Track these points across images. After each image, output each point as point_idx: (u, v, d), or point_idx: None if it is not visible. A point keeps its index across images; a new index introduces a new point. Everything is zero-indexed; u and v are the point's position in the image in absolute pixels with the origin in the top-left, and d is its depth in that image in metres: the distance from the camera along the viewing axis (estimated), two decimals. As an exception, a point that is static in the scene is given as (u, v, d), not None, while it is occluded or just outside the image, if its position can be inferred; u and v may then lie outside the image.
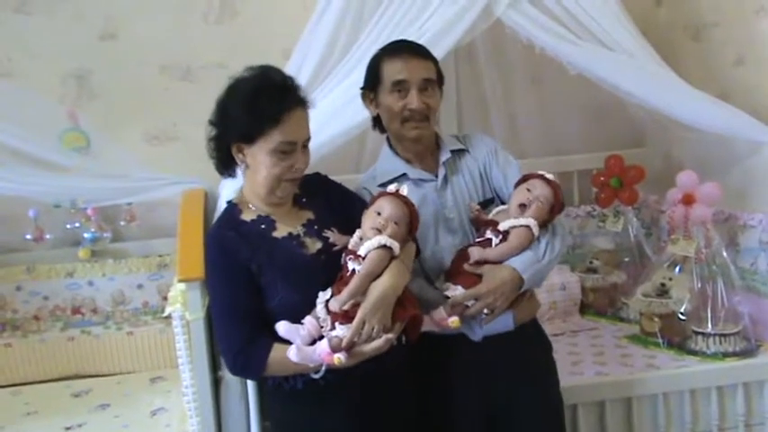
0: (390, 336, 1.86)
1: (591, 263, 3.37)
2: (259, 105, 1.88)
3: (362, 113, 2.48)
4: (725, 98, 2.96)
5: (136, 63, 3.25)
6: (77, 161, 2.87)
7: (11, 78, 3.15)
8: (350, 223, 2.00)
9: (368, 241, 1.89)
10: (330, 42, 2.75)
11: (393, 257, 1.91)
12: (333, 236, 1.99)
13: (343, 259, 1.93)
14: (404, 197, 1.98)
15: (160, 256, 3.19)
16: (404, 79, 2.15)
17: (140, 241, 3.25)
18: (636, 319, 3.10)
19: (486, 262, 2.08)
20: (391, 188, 2.00)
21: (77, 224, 3.12)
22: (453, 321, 2.01)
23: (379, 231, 1.91)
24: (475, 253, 2.08)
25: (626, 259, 3.38)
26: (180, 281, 2.28)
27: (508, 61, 3.47)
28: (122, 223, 3.22)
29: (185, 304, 2.28)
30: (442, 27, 2.63)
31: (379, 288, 1.87)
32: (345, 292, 1.85)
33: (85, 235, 3.13)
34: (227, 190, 2.42)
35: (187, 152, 3.17)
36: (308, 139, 1.96)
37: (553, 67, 2.97)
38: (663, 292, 2.91)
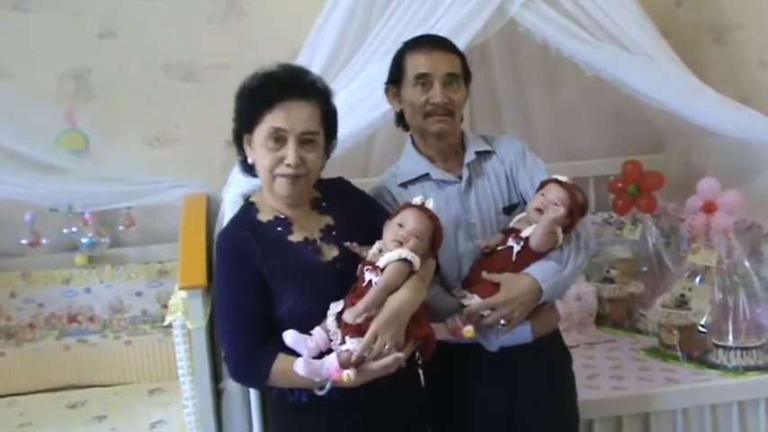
0: (401, 355, 1.85)
1: (608, 272, 3.36)
2: (257, 91, 1.90)
3: (372, 114, 2.49)
4: (748, 102, 2.94)
5: (137, 62, 3.27)
6: (75, 163, 2.88)
7: (7, 78, 3.17)
8: (369, 232, 1.99)
9: (388, 253, 1.89)
10: (338, 43, 2.78)
11: (412, 272, 1.90)
12: (355, 247, 1.97)
13: (359, 270, 1.92)
14: (429, 211, 1.97)
15: (160, 262, 3.19)
16: (427, 72, 2.15)
17: (140, 247, 3.26)
18: (654, 331, 3.10)
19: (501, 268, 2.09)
20: (417, 200, 1.99)
21: (74, 229, 3.13)
22: (468, 331, 2.01)
23: (401, 244, 1.90)
24: (484, 275, 2.08)
25: (644, 269, 3.38)
26: (181, 288, 2.29)
27: (522, 62, 3.48)
28: (121, 228, 3.23)
29: (186, 313, 2.29)
30: (454, 27, 2.64)
31: (395, 302, 1.85)
32: (361, 303, 1.84)
33: (83, 240, 3.14)
34: (232, 192, 2.44)
35: (189, 155, 3.27)
36: (306, 133, 1.91)
37: (569, 68, 2.98)
38: (682, 303, 2.91)
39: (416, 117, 2.20)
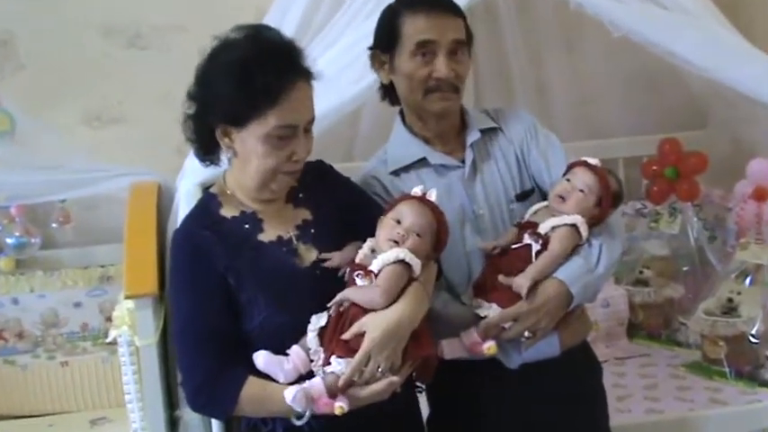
0: (396, 379, 1.84)
1: (641, 273, 3.37)
2: (252, 79, 1.85)
3: (356, 86, 2.48)
4: (806, 67, 2.95)
5: (72, 26, 3.26)
6: (-2, 148, 2.87)
7: None
8: (358, 229, 1.99)
9: (382, 254, 1.88)
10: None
11: (411, 279, 1.89)
12: (333, 258, 1.96)
13: (347, 276, 1.91)
14: (431, 203, 1.96)
15: (102, 266, 3.18)
16: (431, 39, 2.13)
17: (77, 248, 3.25)
18: (697, 342, 3.11)
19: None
20: (416, 191, 1.98)
21: (-2, 227, 3.13)
22: (489, 348, 2.01)
23: (397, 244, 1.89)
24: (501, 279, 2.07)
25: (684, 268, 3.39)
26: (127, 297, 2.28)
27: (536, 21, 3.48)
28: (55, 226, 3.22)
29: (134, 327, 2.28)
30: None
31: (393, 316, 1.83)
32: (357, 294, 1.85)
33: (8, 240, 3.12)
34: (188, 181, 2.42)
35: (136, 136, 3.26)
36: (312, 120, 1.94)
37: (592, 28, 2.97)
38: (730, 309, 2.92)
39: (415, 93, 2.19)
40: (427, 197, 1.97)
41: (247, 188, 1.98)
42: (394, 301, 1.85)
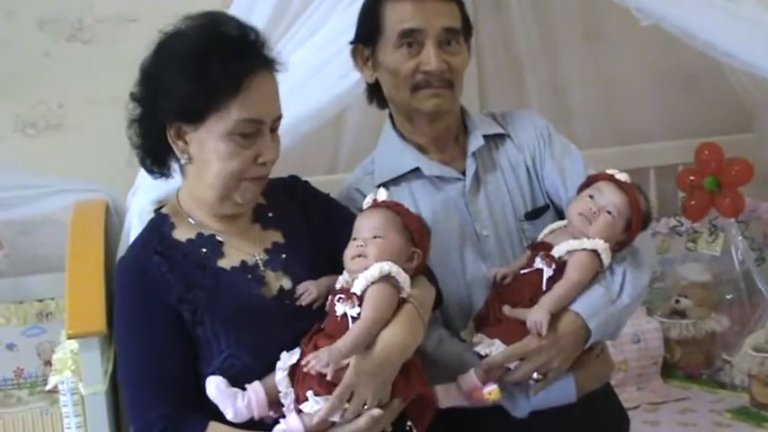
0: (376, 412, 1.81)
1: (677, 302, 3.39)
2: (209, 68, 1.85)
3: (339, 85, 2.51)
4: None
5: (2, 16, 3.25)
6: None
7: None
8: (336, 249, 1.98)
9: (364, 272, 1.88)
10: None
11: (403, 301, 1.90)
12: (309, 289, 1.96)
13: (328, 304, 1.92)
14: (386, 203, 1.99)
15: (40, 300, 3.16)
16: (416, 28, 2.15)
17: (10, 279, 3.22)
18: (744, 384, 3.12)
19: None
20: (368, 200, 2.01)
21: None
22: (492, 392, 1.99)
23: (363, 263, 1.91)
24: (506, 311, 2.08)
25: (728, 297, 3.41)
26: (70, 337, 2.27)
27: (552, 9, 3.51)
28: (-17, 253, 3.22)
29: (78, 372, 2.27)
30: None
31: (381, 346, 1.83)
32: (342, 341, 1.81)
33: (-74, 270, 3.13)
34: (142, 199, 2.42)
35: (80, 146, 3.25)
36: (279, 117, 1.96)
37: (615, 17, 3.00)
38: (783, 344, 2.95)
39: (401, 90, 2.20)
40: (377, 200, 1.99)
41: (205, 202, 1.98)
42: (383, 327, 1.85)
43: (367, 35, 2.22)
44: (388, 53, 2.18)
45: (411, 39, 2.15)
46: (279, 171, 2.09)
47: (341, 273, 1.95)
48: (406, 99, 2.20)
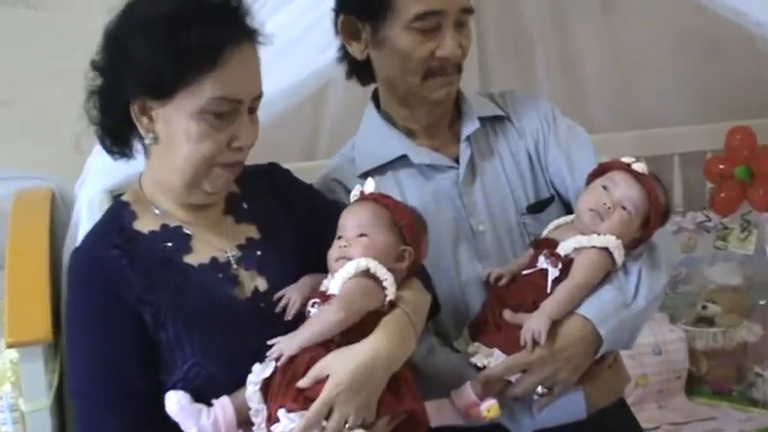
0: None
1: (704, 308, 3.38)
2: (182, 36, 1.83)
3: (320, 58, 2.47)
4: None
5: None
6: None
7: None
8: (320, 243, 1.99)
9: (341, 270, 1.88)
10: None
11: (392, 305, 1.89)
12: (290, 295, 1.95)
13: (306, 310, 1.91)
14: (373, 195, 2.00)
15: (-25, 303, 3.15)
16: (436, 10, 2.12)
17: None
18: (778, 401, 3.13)
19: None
20: (354, 193, 2.02)
21: None
22: (490, 409, 1.97)
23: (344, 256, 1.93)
24: (507, 316, 2.07)
25: (761, 302, 3.41)
26: (10, 346, 2.26)
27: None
28: None
29: (19, 385, 2.27)
30: None
31: (364, 353, 1.82)
32: (302, 332, 1.83)
33: None
34: (92, 188, 2.40)
35: (21, 127, 3.21)
36: (260, 96, 1.96)
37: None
38: (823, 356, 2.94)
39: (410, 76, 2.19)
40: (365, 193, 2.00)
41: (171, 189, 1.97)
42: (366, 334, 1.85)
43: (367, 9, 2.18)
44: (398, 33, 2.16)
45: (428, 21, 2.13)
46: (249, 156, 2.05)
47: (326, 269, 1.97)
48: (413, 85, 2.20)
